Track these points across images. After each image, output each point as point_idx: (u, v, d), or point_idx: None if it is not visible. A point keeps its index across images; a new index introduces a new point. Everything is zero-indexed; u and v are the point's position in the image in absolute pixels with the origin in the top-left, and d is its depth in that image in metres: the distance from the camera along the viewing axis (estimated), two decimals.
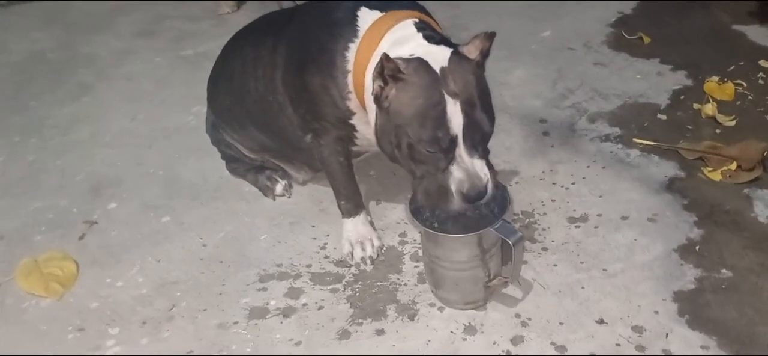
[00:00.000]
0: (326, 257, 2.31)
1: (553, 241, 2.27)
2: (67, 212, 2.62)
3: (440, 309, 2.07)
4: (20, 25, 4.21)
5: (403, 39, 1.94)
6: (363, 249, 2.26)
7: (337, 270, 2.25)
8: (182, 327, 2.11)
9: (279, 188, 2.57)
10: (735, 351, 1.88)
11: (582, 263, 2.18)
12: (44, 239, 2.50)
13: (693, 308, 2.01)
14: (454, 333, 2.00)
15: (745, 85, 2.95)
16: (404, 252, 2.29)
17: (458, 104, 1.81)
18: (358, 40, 1.99)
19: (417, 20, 1.99)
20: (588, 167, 2.58)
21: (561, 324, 1.99)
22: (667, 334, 1.93)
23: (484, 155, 1.89)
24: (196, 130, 2.97)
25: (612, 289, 2.08)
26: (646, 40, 3.37)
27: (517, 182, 2.53)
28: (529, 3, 3.85)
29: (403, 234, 2.36)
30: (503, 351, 1.93)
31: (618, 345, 1.92)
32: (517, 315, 2.03)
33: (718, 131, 2.70)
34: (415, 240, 2.33)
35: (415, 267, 2.23)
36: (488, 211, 1.96)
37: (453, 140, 1.82)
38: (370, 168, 2.62)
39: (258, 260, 2.31)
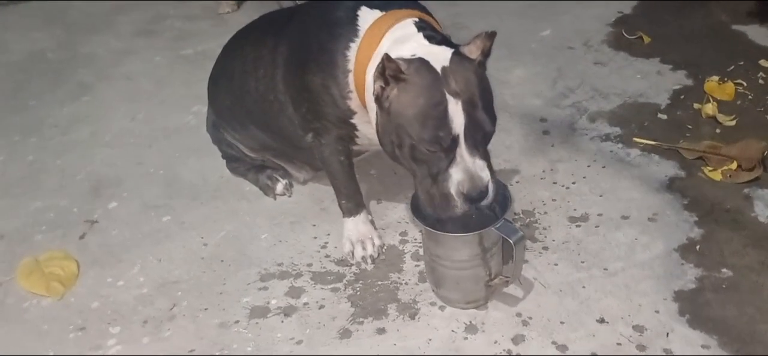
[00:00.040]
0: (327, 256, 2.31)
1: (553, 240, 2.27)
2: (68, 211, 2.62)
3: (441, 308, 2.08)
4: (20, 24, 4.21)
5: (404, 38, 1.94)
6: (364, 248, 2.26)
7: (338, 269, 2.25)
8: (183, 326, 2.11)
9: (280, 187, 2.57)
10: (736, 349, 1.88)
11: (583, 262, 2.18)
12: (45, 238, 2.50)
13: (694, 307, 2.01)
14: (455, 332, 2.00)
15: (745, 84, 2.95)
16: (405, 251, 2.29)
17: (460, 103, 1.81)
18: (358, 40, 1.99)
19: (417, 19, 1.99)
20: (588, 166, 2.58)
21: (562, 323, 1.99)
22: (667, 333, 1.94)
23: (485, 156, 1.89)
24: (196, 129, 2.97)
25: (613, 288, 2.08)
26: (646, 39, 3.37)
27: (517, 181, 2.53)
28: (529, 2, 3.85)
29: (403, 233, 2.36)
30: (504, 350, 1.93)
31: (619, 344, 1.92)
32: (518, 314, 2.03)
33: (718, 130, 2.71)
34: (415, 239, 2.33)
35: (416, 266, 2.23)
36: (489, 210, 1.96)
37: (454, 140, 1.82)
38: (370, 167, 2.63)
39: (259, 260, 2.31)
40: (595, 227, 2.31)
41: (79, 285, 2.29)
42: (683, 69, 3.12)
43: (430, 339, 1.99)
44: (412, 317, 2.06)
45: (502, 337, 1.97)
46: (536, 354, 1.92)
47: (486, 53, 1.90)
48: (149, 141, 3.00)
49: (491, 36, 1.90)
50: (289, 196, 2.58)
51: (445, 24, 2.16)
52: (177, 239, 2.43)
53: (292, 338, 2.03)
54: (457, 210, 1.87)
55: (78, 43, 3.95)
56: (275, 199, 2.58)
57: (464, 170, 1.84)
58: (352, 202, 2.30)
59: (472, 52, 1.90)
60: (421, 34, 1.94)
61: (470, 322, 2.02)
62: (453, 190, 1.85)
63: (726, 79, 2.97)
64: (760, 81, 2.99)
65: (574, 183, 2.50)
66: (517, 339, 1.96)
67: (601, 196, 2.43)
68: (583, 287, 2.10)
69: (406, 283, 2.17)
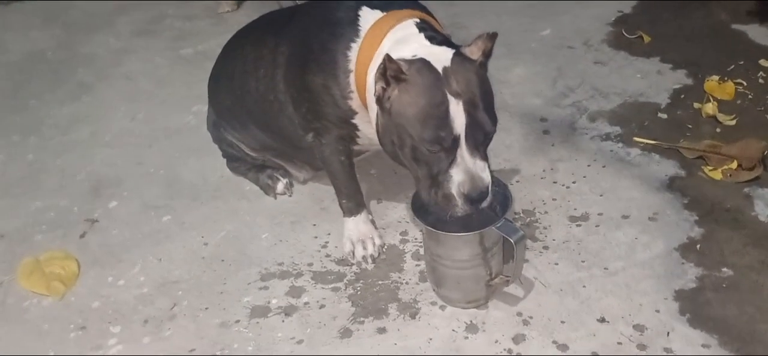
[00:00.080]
0: (327, 255, 2.31)
1: (554, 239, 2.28)
2: (68, 211, 2.62)
3: (442, 308, 2.08)
4: (20, 24, 4.20)
5: (405, 39, 1.94)
6: (364, 248, 2.26)
7: (339, 269, 2.25)
8: (184, 325, 2.11)
9: (280, 186, 2.57)
10: (736, 349, 1.88)
11: (583, 261, 2.18)
12: (45, 238, 2.50)
13: (694, 306, 2.01)
14: (455, 331, 2.00)
15: (745, 84, 2.95)
16: (405, 251, 2.30)
17: (461, 104, 1.81)
18: (359, 40, 1.99)
19: (418, 20, 1.99)
20: (588, 165, 2.58)
21: (562, 322, 1.99)
22: (668, 333, 1.94)
23: (486, 156, 1.89)
24: (196, 129, 2.97)
25: (613, 288, 2.09)
26: (646, 38, 3.37)
27: (517, 181, 2.53)
28: (529, 2, 3.85)
29: (404, 233, 2.37)
30: (505, 349, 1.93)
31: (619, 343, 1.92)
32: (519, 314, 2.03)
33: (718, 130, 2.71)
34: (416, 239, 2.33)
35: (417, 265, 2.23)
36: (490, 210, 1.96)
37: (455, 140, 1.82)
38: (371, 167, 2.63)
39: (259, 259, 2.31)
40: (596, 226, 2.31)
41: (79, 285, 2.29)
42: (683, 68, 3.12)
43: (430, 339, 1.99)
44: (413, 316, 2.06)
45: (503, 337, 1.97)
46: (537, 354, 1.92)
47: (487, 54, 1.91)
48: (149, 141, 3.00)
49: (492, 37, 1.90)
50: (290, 195, 2.58)
51: (444, 23, 2.17)
52: (177, 239, 2.43)
53: (293, 337, 2.03)
54: (457, 211, 1.88)
55: (78, 42, 3.94)
56: (276, 198, 2.58)
57: (465, 170, 1.84)
58: (353, 202, 2.30)
59: (473, 52, 1.90)
60: (422, 35, 1.94)
61: (471, 322, 2.02)
62: (454, 190, 1.85)
63: (726, 78, 2.96)
64: (760, 80, 2.99)
65: (574, 183, 2.50)
66: (518, 339, 1.96)
67: (601, 195, 2.44)
68: (584, 286, 2.10)
69: (407, 283, 2.17)
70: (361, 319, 2.07)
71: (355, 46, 2.00)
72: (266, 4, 3.35)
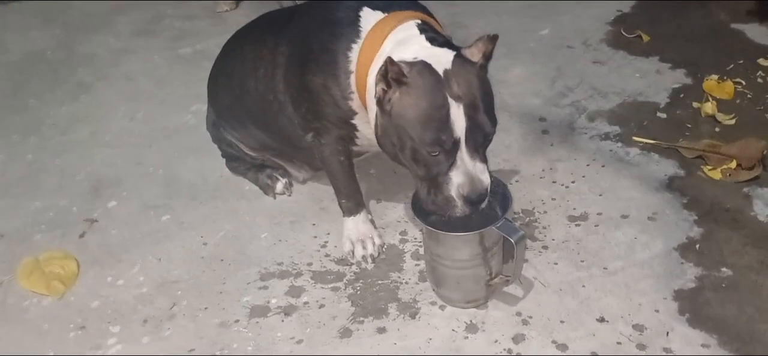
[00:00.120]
0: (327, 255, 2.31)
1: (553, 239, 2.28)
2: (67, 211, 2.62)
3: (441, 308, 2.08)
4: (19, 24, 4.20)
5: (406, 41, 1.94)
6: (364, 248, 2.26)
7: (338, 269, 2.25)
8: (183, 325, 2.11)
9: (279, 186, 2.57)
10: (735, 349, 1.88)
11: (582, 261, 2.19)
12: (44, 238, 2.50)
13: (693, 306, 2.01)
14: (455, 331, 2.00)
15: (744, 83, 2.95)
16: (405, 250, 2.30)
17: (461, 107, 1.82)
18: (360, 41, 1.99)
19: (419, 21, 1.99)
20: (588, 165, 2.58)
21: (562, 322, 1.99)
22: (667, 332, 1.94)
23: (485, 158, 1.90)
24: (195, 129, 2.97)
25: (612, 287, 2.09)
26: (645, 38, 3.37)
27: (516, 181, 2.54)
28: (528, 1, 3.85)
29: (403, 232, 2.37)
30: (504, 349, 1.94)
31: (619, 343, 1.92)
32: (518, 314, 2.03)
33: (717, 129, 2.71)
34: (415, 239, 2.33)
35: (416, 265, 2.23)
36: (490, 209, 1.97)
37: (456, 143, 1.83)
38: (370, 167, 2.63)
39: (259, 259, 2.31)
40: (595, 226, 2.31)
41: (79, 285, 2.29)
42: (682, 68, 3.12)
43: (430, 339, 1.99)
44: (413, 316, 2.06)
45: (503, 336, 1.97)
46: (536, 354, 1.92)
47: (487, 56, 1.91)
48: (149, 141, 3.00)
49: (493, 39, 1.90)
50: (289, 195, 2.59)
51: (443, 23, 2.17)
52: (176, 239, 2.43)
53: (293, 337, 2.03)
54: (457, 212, 1.88)
55: (77, 42, 3.94)
56: (275, 198, 2.58)
57: (465, 173, 1.85)
58: (352, 201, 2.30)
59: (474, 54, 1.90)
60: (423, 37, 1.94)
61: (470, 321, 2.02)
62: (453, 192, 1.87)
63: (725, 77, 2.97)
64: (759, 80, 2.99)
65: (573, 182, 2.51)
66: (518, 339, 1.96)
67: (600, 195, 2.44)
68: (583, 286, 2.10)
69: (407, 282, 2.17)
70: (361, 319, 2.07)
71: (355, 47, 1.99)
72: (265, 4, 3.35)
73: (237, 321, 2.10)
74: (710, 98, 2.85)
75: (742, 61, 3.12)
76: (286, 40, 2.21)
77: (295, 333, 2.04)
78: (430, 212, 1.95)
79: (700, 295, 2.04)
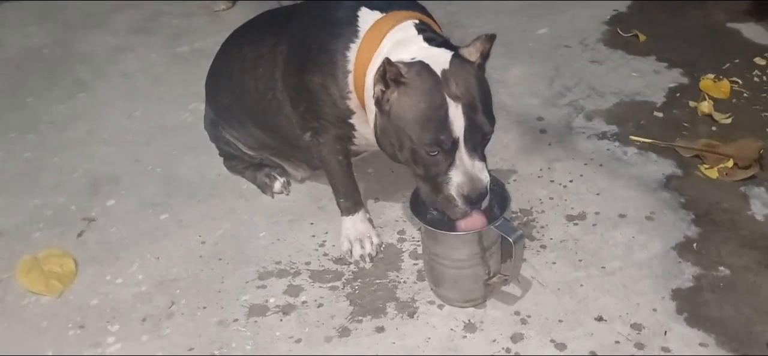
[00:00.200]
0: (325, 254, 2.31)
1: (551, 239, 2.28)
2: (66, 209, 2.62)
3: (440, 307, 2.08)
4: (16, 21, 4.19)
5: (405, 41, 1.94)
6: (362, 247, 2.26)
7: (337, 268, 2.26)
8: (182, 324, 2.11)
9: (278, 185, 2.58)
10: (733, 349, 1.89)
11: (580, 261, 2.19)
12: (43, 236, 2.50)
13: (691, 306, 2.02)
14: (453, 330, 2.01)
15: (740, 82, 2.96)
16: (403, 250, 2.30)
17: (460, 106, 1.82)
18: (358, 41, 1.99)
19: (417, 21, 2.00)
20: (585, 164, 2.59)
21: (560, 321, 2.00)
22: (665, 332, 1.95)
23: (484, 157, 1.90)
24: (193, 127, 2.97)
25: (610, 287, 2.09)
26: (642, 37, 3.38)
27: (514, 180, 2.54)
28: (526, 1, 3.85)
29: (402, 232, 2.37)
30: (503, 348, 1.94)
31: (617, 342, 1.93)
32: (517, 313, 2.04)
33: (714, 128, 2.72)
34: (414, 238, 2.33)
35: (415, 264, 2.23)
36: (488, 209, 1.97)
37: (454, 143, 1.83)
38: (368, 166, 2.63)
39: (257, 258, 2.32)
40: (593, 225, 2.32)
41: (77, 283, 2.29)
42: (679, 67, 3.13)
43: (428, 338, 1.99)
44: (411, 315, 2.06)
45: (501, 336, 1.98)
46: (535, 353, 1.92)
47: (485, 56, 1.92)
48: (146, 139, 3.00)
49: (491, 38, 1.91)
50: (287, 194, 2.59)
51: (442, 23, 2.17)
52: (175, 237, 2.44)
53: (291, 336, 2.04)
54: (457, 212, 1.89)
55: (74, 40, 3.93)
56: (273, 197, 2.58)
57: (464, 172, 1.86)
58: (350, 201, 2.31)
59: (472, 54, 1.91)
60: (421, 37, 1.95)
61: (469, 321, 2.03)
62: (453, 192, 1.87)
63: (721, 77, 2.98)
64: (755, 79, 3.00)
65: (571, 182, 2.51)
66: (516, 338, 1.96)
67: (598, 194, 2.44)
68: (581, 285, 2.10)
69: (405, 282, 2.18)
70: (359, 318, 2.07)
71: (354, 47, 2.00)
72: (261, 3, 3.35)
73: (235, 319, 2.10)
74: (707, 98, 2.86)
75: (738, 61, 3.13)
76: (285, 39, 2.22)
77: (293, 332, 2.05)
78: (429, 210, 1.96)
79: (698, 295, 2.05)
